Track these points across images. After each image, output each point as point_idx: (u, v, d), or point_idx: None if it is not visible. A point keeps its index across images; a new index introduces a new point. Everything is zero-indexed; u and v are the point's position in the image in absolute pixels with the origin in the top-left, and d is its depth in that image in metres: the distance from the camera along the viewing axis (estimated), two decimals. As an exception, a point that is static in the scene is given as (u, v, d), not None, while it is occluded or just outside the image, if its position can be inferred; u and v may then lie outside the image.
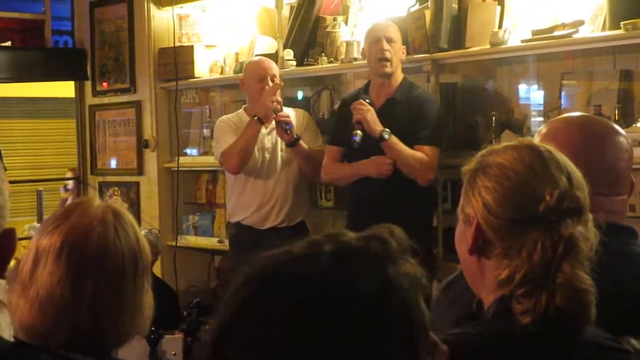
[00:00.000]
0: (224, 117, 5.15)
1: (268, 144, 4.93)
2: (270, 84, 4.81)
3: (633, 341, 1.55)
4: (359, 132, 4.37)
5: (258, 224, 4.99)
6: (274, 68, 4.92)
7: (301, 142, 4.81)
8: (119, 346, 1.80)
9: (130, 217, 1.83)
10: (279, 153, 4.93)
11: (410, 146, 4.36)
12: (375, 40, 4.45)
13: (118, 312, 1.73)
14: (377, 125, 4.35)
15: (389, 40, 4.43)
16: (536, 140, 1.95)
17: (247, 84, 4.94)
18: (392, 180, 4.39)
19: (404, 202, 4.36)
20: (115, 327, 1.73)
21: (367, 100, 4.44)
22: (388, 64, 4.43)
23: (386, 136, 4.32)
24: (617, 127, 2.01)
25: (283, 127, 4.74)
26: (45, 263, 1.71)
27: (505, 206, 1.54)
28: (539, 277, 1.47)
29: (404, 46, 4.51)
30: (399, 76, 4.50)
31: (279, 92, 4.88)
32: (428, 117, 4.41)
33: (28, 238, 5.69)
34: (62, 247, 1.71)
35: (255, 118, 4.79)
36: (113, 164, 6.60)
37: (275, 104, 4.74)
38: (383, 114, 4.43)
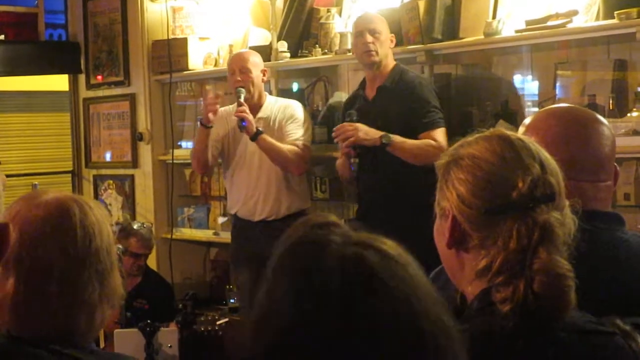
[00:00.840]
0: (222, 108, 5.13)
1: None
2: (239, 77, 4.84)
3: (618, 321, 1.55)
4: (356, 160, 4.40)
5: (249, 217, 5.00)
6: (244, 59, 4.90)
7: (264, 136, 4.77)
8: (70, 344, 1.74)
9: (72, 209, 1.75)
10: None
11: (412, 132, 4.32)
12: (358, 34, 4.47)
13: (43, 310, 1.70)
14: (372, 134, 4.31)
15: (372, 32, 4.42)
16: (520, 131, 1.96)
17: (228, 79, 5.00)
18: (395, 172, 4.36)
19: (411, 193, 4.31)
20: (48, 322, 1.70)
21: (355, 118, 4.41)
22: (374, 53, 4.42)
23: (386, 140, 4.28)
24: (599, 116, 2.03)
25: (238, 123, 4.76)
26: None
27: (478, 196, 1.54)
28: (515, 265, 1.47)
29: (392, 34, 4.48)
30: (389, 64, 4.48)
31: (257, 83, 4.89)
32: (425, 100, 4.36)
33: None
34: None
35: (199, 122, 4.91)
36: (108, 157, 6.60)
37: (211, 106, 4.81)
38: (375, 103, 4.44)
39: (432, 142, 4.27)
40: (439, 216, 1.62)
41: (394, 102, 4.39)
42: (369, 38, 4.41)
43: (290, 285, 1.15)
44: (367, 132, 4.32)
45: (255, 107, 4.91)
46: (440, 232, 1.62)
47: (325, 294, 1.12)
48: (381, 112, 4.40)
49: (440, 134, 4.32)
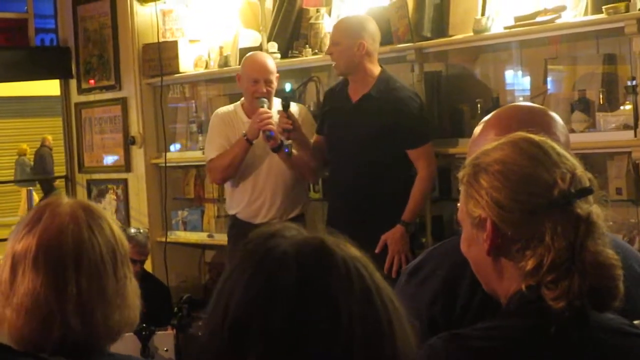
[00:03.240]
0: (221, 110, 5.04)
1: (260, 142, 4.76)
2: (264, 88, 4.72)
3: None
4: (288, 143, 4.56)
5: (250, 219, 4.92)
6: (268, 70, 4.76)
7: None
8: (114, 341, 1.79)
9: (100, 210, 1.81)
10: (269, 150, 4.79)
11: (397, 146, 4.39)
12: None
13: (105, 306, 1.72)
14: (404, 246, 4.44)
15: (332, 44, 4.49)
16: (478, 129, 1.97)
17: (242, 81, 4.83)
18: (365, 170, 4.44)
19: (382, 191, 4.40)
20: (105, 322, 1.72)
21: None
22: (334, 64, 4.50)
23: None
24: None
25: (266, 134, 4.66)
26: (24, 270, 1.70)
27: (518, 199, 1.54)
28: (566, 261, 1.49)
29: (361, 41, 4.38)
30: (373, 71, 4.44)
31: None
32: (415, 117, 4.40)
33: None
34: (38, 251, 1.70)
35: (245, 137, 4.73)
36: (100, 161, 6.59)
37: (264, 123, 4.64)
38: (358, 109, 4.46)
39: (421, 176, 4.41)
40: (470, 226, 1.61)
41: (379, 111, 4.40)
42: (328, 49, 4.54)
43: (243, 270, 1.22)
44: (405, 249, 4.44)
45: None
46: (475, 242, 1.61)
47: (279, 272, 1.19)
48: (363, 120, 4.43)
49: (428, 150, 4.44)
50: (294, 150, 4.63)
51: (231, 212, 5.06)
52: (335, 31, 4.53)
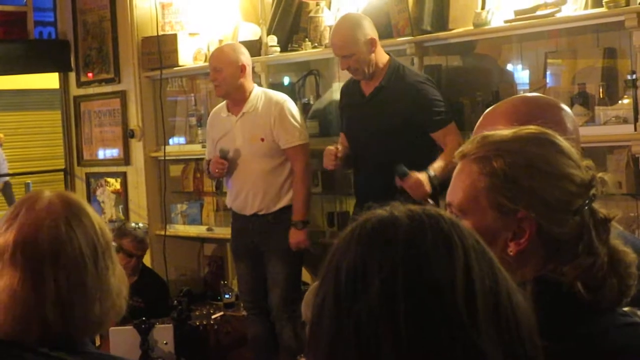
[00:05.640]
0: (215, 108, 5.20)
1: (238, 133, 4.93)
2: (212, 76, 4.96)
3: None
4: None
5: (241, 211, 5.02)
6: (213, 58, 4.99)
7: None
8: (97, 332, 1.78)
9: (81, 202, 1.80)
10: (250, 142, 4.90)
11: (417, 129, 4.35)
12: (336, 54, 4.53)
13: (85, 301, 1.71)
14: (422, 191, 4.20)
15: (345, 57, 4.40)
16: (490, 116, 1.94)
17: None
18: (386, 161, 4.33)
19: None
20: (85, 316, 1.71)
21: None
22: (355, 72, 4.45)
23: (436, 182, 4.21)
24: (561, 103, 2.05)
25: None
26: (2, 267, 1.70)
27: (562, 198, 1.50)
28: (591, 256, 1.47)
29: (371, 37, 4.37)
30: (381, 61, 4.43)
31: (230, 82, 4.91)
32: (433, 100, 4.36)
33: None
34: (15, 247, 1.69)
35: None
36: (99, 154, 6.59)
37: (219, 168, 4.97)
38: (372, 101, 4.46)
39: (452, 146, 4.21)
40: (491, 220, 1.51)
41: (394, 101, 4.39)
42: (344, 64, 4.44)
43: (352, 235, 1.17)
44: (424, 195, 4.20)
45: (238, 102, 4.93)
46: (500, 239, 1.51)
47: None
48: (378, 111, 4.43)
49: (453, 129, 4.37)
50: None
51: (228, 205, 5.19)
52: (344, 44, 4.40)
